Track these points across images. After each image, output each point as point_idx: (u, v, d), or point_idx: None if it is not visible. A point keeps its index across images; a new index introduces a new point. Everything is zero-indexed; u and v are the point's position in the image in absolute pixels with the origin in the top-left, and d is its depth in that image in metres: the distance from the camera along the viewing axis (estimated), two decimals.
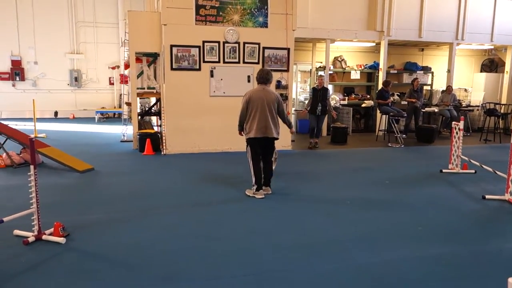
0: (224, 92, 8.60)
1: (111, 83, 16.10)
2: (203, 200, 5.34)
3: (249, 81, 8.70)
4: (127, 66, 9.82)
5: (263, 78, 5.47)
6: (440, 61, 13.30)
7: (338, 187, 6.07)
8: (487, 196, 5.44)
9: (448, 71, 12.20)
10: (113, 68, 15.48)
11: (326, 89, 9.35)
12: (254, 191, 5.47)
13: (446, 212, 4.92)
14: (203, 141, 8.60)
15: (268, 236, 4.12)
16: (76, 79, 15.67)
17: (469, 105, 12.80)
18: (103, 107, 15.74)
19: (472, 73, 14.02)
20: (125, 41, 10.73)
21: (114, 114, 15.84)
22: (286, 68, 8.87)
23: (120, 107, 15.51)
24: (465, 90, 13.33)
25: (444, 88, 12.09)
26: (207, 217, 4.68)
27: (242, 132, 5.68)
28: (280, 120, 5.59)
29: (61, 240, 3.85)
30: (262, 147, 5.52)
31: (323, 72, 11.22)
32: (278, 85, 8.85)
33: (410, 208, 5.08)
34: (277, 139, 5.59)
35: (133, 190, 5.76)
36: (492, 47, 12.93)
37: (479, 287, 3.15)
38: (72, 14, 15.45)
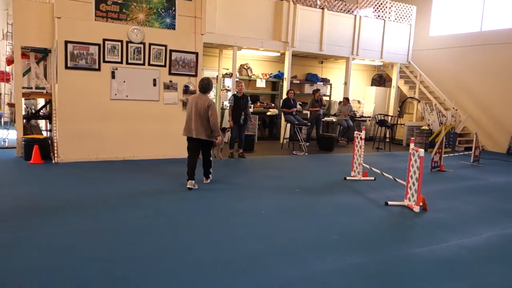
0: (127, 96, 7.96)
1: None
2: (103, 215, 4.76)
3: (154, 84, 8.19)
4: (10, 62, 8.58)
5: (200, 86, 6.23)
6: (337, 74, 14.18)
7: (251, 197, 5.92)
8: (389, 202, 5.77)
9: (345, 83, 13.03)
10: None
11: (247, 97, 9.08)
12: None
13: (356, 219, 5.08)
14: (102, 149, 7.83)
15: (185, 253, 3.77)
16: None
17: (362, 116, 13.83)
18: None
19: (364, 87, 15.22)
20: (8, 33, 9.40)
21: None
22: (194, 73, 8.54)
23: None
24: (359, 101, 14.40)
25: (341, 99, 12.87)
26: (108, 236, 4.14)
27: None
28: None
29: None
30: (198, 145, 6.20)
31: (230, 78, 11.13)
32: (186, 90, 8.48)
33: (323, 217, 5.14)
34: (205, 141, 6.16)
35: (17, 206, 4.91)
36: (382, 63, 14.19)
37: None
38: None
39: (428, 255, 4.01)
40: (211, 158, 6.50)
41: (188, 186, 6.05)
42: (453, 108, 12.36)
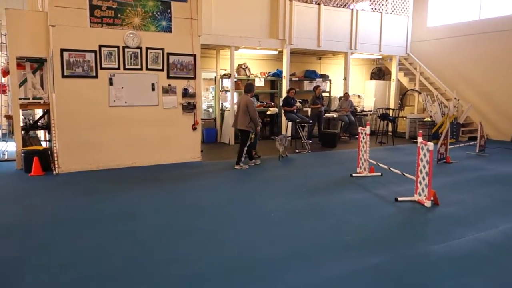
0: (126, 102, 7.83)
1: None
2: (107, 228, 4.64)
3: (153, 89, 8.06)
4: (5, 73, 8.44)
5: (245, 89, 8.13)
6: (336, 69, 14.05)
7: (259, 198, 5.81)
8: (399, 198, 5.66)
9: (344, 78, 12.91)
10: None
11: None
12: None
13: (367, 218, 4.96)
14: (103, 157, 7.71)
15: (191, 265, 3.66)
16: None
17: (363, 110, 13.71)
18: None
19: (364, 81, 15.09)
20: (2, 44, 9.27)
21: None
22: (193, 76, 8.42)
23: None
24: (359, 96, 14.27)
25: (341, 95, 12.75)
26: (113, 249, 4.02)
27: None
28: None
29: None
30: (240, 134, 8.15)
31: (228, 79, 10.99)
32: (185, 93, 8.35)
33: (333, 216, 5.02)
34: (243, 130, 7.88)
35: (23, 220, 4.79)
36: (380, 56, 14.06)
37: None
38: None
39: (446, 252, 3.89)
40: (245, 148, 7.88)
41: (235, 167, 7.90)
42: (455, 98, 12.24)
